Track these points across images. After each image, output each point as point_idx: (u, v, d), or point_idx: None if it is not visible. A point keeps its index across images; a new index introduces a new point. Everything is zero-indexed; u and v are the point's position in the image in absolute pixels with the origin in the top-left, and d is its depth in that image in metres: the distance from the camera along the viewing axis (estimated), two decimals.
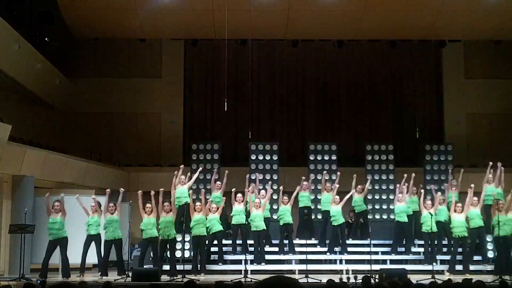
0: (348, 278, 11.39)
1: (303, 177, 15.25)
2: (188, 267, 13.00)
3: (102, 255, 13.04)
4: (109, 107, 20.16)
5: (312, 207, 15.35)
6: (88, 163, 16.81)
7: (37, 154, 14.62)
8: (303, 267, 13.25)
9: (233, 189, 14.35)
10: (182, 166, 14.92)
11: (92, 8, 17.64)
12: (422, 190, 14.54)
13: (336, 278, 10.88)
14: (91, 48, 20.06)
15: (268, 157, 16.32)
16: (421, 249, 14.75)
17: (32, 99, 17.91)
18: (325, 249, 14.64)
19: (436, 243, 14.23)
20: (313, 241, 14.98)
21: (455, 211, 13.81)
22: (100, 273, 12.96)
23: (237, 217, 14.09)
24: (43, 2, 18.10)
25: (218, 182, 15.12)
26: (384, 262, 14.42)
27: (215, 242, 13.87)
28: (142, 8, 17.58)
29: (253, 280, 11.97)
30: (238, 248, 14.57)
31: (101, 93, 20.14)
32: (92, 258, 13.35)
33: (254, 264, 13.55)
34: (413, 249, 14.76)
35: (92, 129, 20.03)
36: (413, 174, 14.90)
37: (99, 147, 19.36)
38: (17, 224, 12.83)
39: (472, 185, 13.94)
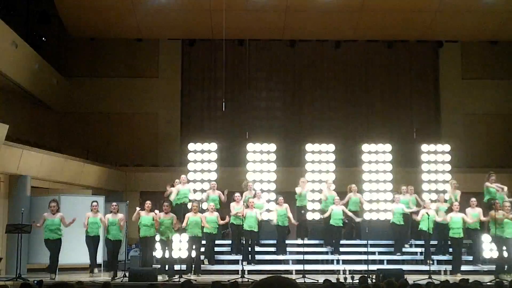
0: (345, 278, 11.39)
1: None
2: (184, 267, 13.05)
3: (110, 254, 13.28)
4: (106, 107, 20.13)
5: (309, 207, 15.40)
6: (85, 163, 16.78)
7: (34, 154, 14.60)
8: (300, 267, 13.26)
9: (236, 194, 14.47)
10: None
11: (89, 8, 17.61)
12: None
13: (333, 278, 10.88)
14: (88, 47, 20.01)
15: (265, 158, 16.32)
16: (417, 249, 14.84)
17: (29, 98, 17.88)
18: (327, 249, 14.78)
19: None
20: (311, 241, 15.04)
21: (453, 210, 13.91)
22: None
23: (235, 218, 14.13)
24: (40, 2, 18.09)
25: (213, 182, 15.13)
26: (381, 262, 14.46)
27: (206, 241, 13.93)
28: (139, 8, 17.56)
29: (249, 280, 11.98)
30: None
31: (98, 92, 20.10)
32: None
33: (245, 264, 13.52)
34: (405, 250, 14.85)
35: (89, 129, 19.99)
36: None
37: (96, 147, 19.33)
38: (13, 224, 12.81)
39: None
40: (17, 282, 11.44)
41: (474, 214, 13.91)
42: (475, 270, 14.00)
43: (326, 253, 14.85)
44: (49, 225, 12.90)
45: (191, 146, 16.60)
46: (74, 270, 14.36)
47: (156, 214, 13.25)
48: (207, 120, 20.58)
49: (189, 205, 14.24)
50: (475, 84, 20.54)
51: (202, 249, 13.79)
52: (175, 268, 12.78)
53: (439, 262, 14.38)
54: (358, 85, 20.82)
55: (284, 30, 18.65)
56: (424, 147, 16.84)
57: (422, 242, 14.52)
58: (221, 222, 14.02)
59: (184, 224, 13.23)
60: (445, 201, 14.80)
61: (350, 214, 14.73)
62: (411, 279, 10.79)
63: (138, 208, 13.35)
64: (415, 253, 14.90)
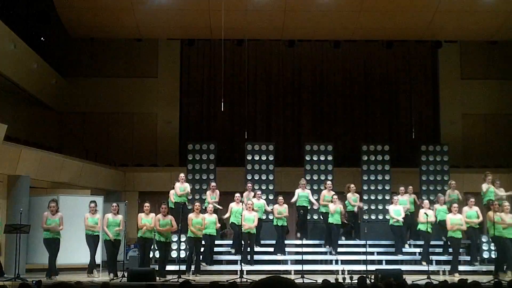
0: (344, 279, 11.39)
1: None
2: (183, 267, 13.06)
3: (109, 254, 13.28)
4: (105, 107, 20.12)
5: (309, 207, 15.39)
6: (84, 163, 16.77)
7: (33, 154, 14.58)
8: (298, 267, 13.26)
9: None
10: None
11: (88, 8, 17.60)
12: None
13: (331, 278, 10.88)
14: (87, 47, 20.00)
15: (264, 158, 16.33)
16: (416, 250, 14.86)
17: (28, 98, 17.87)
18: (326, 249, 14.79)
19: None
20: (310, 241, 15.04)
21: (451, 211, 13.91)
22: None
23: (235, 218, 14.12)
24: (39, 2, 18.07)
25: (213, 184, 15.13)
26: (379, 262, 14.46)
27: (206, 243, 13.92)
28: (138, 8, 17.54)
29: (248, 280, 11.97)
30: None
31: (97, 93, 20.09)
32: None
33: (243, 264, 13.53)
34: (404, 250, 14.85)
35: (88, 129, 19.99)
36: None
37: (95, 147, 19.32)
38: (12, 224, 12.80)
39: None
40: (16, 282, 11.44)
41: (471, 213, 13.91)
42: (474, 270, 14.01)
43: (325, 253, 14.85)
44: (49, 224, 12.93)
45: (190, 146, 16.61)
46: (74, 270, 14.36)
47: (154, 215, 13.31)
48: (206, 120, 20.59)
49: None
50: (474, 84, 20.55)
51: (202, 249, 13.79)
52: (175, 269, 12.77)
53: (438, 262, 14.39)
54: (357, 85, 20.84)
55: (283, 30, 18.64)
56: (423, 147, 16.86)
57: (421, 242, 14.52)
58: (218, 226, 14.06)
59: (192, 228, 13.30)
60: (444, 202, 14.80)
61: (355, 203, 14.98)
62: (410, 279, 10.80)
63: (140, 214, 13.42)
64: (414, 253, 14.91)
